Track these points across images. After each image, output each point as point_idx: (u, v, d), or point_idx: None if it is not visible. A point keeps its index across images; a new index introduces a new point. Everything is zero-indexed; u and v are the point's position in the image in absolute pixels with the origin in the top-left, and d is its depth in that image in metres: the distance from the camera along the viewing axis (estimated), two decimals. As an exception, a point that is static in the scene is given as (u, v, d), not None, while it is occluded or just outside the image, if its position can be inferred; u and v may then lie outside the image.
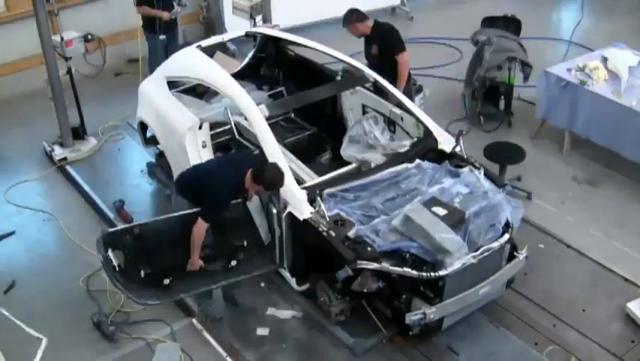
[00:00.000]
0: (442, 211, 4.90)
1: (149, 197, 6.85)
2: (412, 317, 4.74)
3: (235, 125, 5.99)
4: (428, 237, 4.70)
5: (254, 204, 5.28)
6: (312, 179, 5.56)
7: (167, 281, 5.08)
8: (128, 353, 5.13)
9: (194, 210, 5.04)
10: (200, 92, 6.87)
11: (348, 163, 5.93)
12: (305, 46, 6.73)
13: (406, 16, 10.68)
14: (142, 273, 5.04)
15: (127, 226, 5.21)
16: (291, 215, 5.08)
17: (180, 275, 5.12)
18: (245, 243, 5.34)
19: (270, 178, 4.91)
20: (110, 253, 4.89)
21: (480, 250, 4.82)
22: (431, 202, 4.99)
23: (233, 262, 5.27)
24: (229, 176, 5.03)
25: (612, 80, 6.94)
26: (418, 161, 5.47)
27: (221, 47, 7.28)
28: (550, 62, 7.74)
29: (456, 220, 4.86)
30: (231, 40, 7.06)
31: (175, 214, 5.17)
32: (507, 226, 5.06)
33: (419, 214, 4.84)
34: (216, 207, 5.02)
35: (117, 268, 4.92)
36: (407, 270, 4.69)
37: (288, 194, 5.12)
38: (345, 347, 5.08)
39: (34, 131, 7.77)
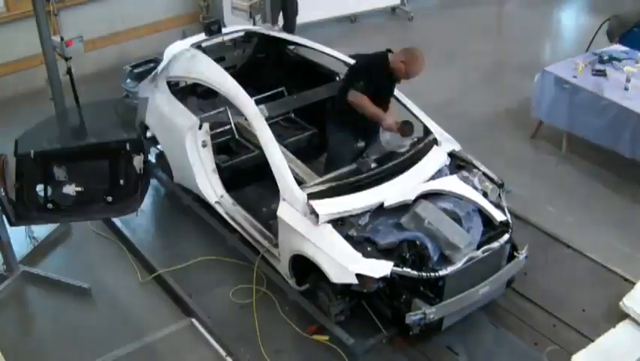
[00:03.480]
0: (446, 204, 4.97)
1: (149, 197, 6.82)
2: (412, 317, 4.74)
3: (235, 125, 5.99)
4: (437, 233, 4.74)
5: None
6: (312, 179, 5.55)
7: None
8: (127, 353, 5.12)
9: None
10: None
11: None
12: (305, 46, 6.73)
13: (406, 17, 10.68)
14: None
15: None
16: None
17: None
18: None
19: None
20: None
21: (481, 249, 4.84)
22: (433, 195, 5.05)
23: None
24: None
25: (611, 80, 6.94)
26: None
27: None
28: (548, 62, 7.73)
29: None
30: (231, 40, 7.06)
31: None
32: (507, 226, 5.08)
33: (427, 211, 4.87)
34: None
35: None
36: (407, 270, 4.70)
37: (288, 194, 5.12)
38: (345, 347, 5.08)
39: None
